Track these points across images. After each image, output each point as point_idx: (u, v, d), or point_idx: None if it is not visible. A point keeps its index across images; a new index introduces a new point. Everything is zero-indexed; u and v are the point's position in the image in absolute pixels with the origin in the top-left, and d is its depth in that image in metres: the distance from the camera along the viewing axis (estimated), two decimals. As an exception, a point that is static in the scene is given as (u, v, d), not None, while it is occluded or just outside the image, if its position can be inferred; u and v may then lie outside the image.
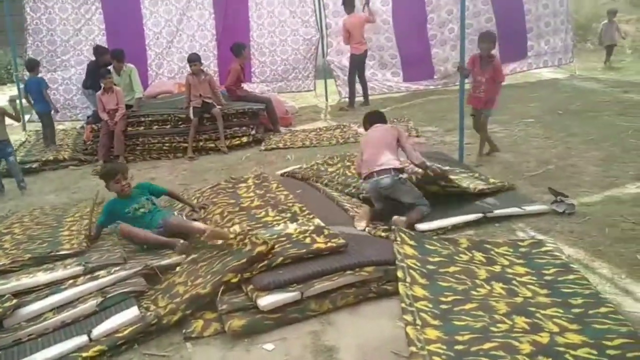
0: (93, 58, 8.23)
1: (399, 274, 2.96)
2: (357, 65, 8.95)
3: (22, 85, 8.55)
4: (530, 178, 4.76)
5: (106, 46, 8.58)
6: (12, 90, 13.05)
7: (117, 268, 3.24)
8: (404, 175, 4.04)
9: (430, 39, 9.91)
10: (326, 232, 3.41)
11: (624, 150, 5.29)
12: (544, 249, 3.30)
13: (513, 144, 5.94)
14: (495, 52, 5.47)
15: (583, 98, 8.09)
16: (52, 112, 7.98)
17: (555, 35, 10.28)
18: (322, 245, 3.23)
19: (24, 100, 8.30)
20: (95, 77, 7.54)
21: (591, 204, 4.03)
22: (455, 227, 3.78)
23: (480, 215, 3.87)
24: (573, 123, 6.56)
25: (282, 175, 5.43)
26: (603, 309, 2.59)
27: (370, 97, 9.35)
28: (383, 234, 3.61)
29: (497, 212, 3.91)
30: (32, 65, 8.04)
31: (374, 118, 4.52)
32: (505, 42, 9.69)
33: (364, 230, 3.73)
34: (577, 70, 10.57)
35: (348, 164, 5.08)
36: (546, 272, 3.03)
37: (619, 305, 2.70)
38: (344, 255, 3.19)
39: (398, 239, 3.32)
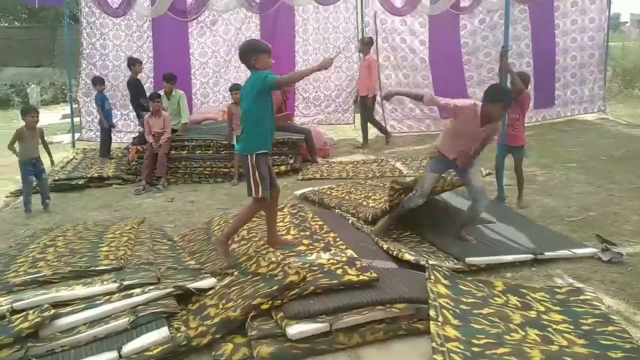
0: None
1: (432, 312, 2.92)
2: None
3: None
4: (570, 223, 4.65)
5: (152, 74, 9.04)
6: (65, 109, 13.71)
7: (151, 287, 3.30)
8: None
9: (467, 80, 9.95)
10: (358, 264, 3.40)
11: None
12: (582, 297, 3.21)
13: (554, 188, 5.83)
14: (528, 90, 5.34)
15: (628, 145, 7.91)
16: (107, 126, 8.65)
17: (581, 85, 10.30)
18: (354, 278, 3.21)
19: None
20: (136, 93, 8.20)
21: (634, 255, 3.90)
22: (491, 269, 3.72)
23: (530, 256, 3.83)
24: (616, 170, 6.40)
25: (300, 196, 5.76)
26: (643, 364, 2.49)
27: (406, 134, 9.49)
28: (411, 258, 3.60)
29: (548, 254, 3.85)
30: (96, 82, 8.70)
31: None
32: (536, 88, 9.85)
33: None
34: (610, 116, 10.50)
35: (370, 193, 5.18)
36: (584, 321, 2.93)
37: (661, 360, 2.58)
38: (375, 289, 3.16)
39: (432, 277, 3.28)
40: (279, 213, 4.77)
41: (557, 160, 7.11)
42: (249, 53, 3.65)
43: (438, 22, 9.82)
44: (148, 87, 9.19)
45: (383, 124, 9.55)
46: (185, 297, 3.32)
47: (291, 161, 7.28)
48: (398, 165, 7.28)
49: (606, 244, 3.93)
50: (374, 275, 3.24)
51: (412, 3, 9.50)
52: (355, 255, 3.57)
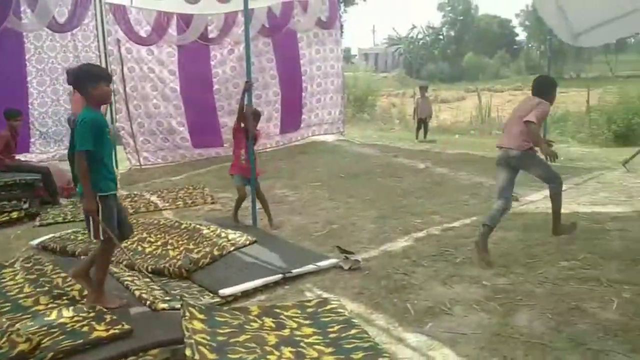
0: None
1: (187, 352, 2.80)
2: None
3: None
4: (317, 238, 5.05)
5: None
6: None
7: None
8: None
9: (218, 110, 10.19)
10: (108, 318, 3.11)
11: (394, 208, 5.96)
12: (329, 307, 3.47)
13: (303, 207, 6.28)
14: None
15: (361, 162, 9.01)
16: None
17: (323, 109, 11.58)
18: (103, 334, 2.93)
19: None
20: None
21: (370, 259, 4.41)
22: (247, 294, 3.78)
23: (280, 276, 3.98)
24: (353, 185, 7.23)
25: (37, 245, 5.06)
26: (380, 360, 2.79)
27: (161, 166, 9.29)
28: (165, 306, 3.44)
29: (296, 271, 4.06)
30: None
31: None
32: (285, 113, 10.72)
33: None
34: (346, 137, 11.95)
35: (145, 235, 4.84)
36: (331, 330, 3.16)
37: (394, 353, 2.93)
38: (128, 340, 2.93)
39: (187, 314, 3.17)
40: (8, 269, 4.13)
41: (305, 180, 7.72)
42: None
43: (188, 52, 9.83)
44: None
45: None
46: None
47: (25, 205, 6.37)
48: (153, 199, 7.00)
49: (345, 254, 4.36)
50: (127, 327, 3.00)
51: (158, 33, 9.35)
52: (105, 309, 3.26)
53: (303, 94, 11.11)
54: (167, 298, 3.66)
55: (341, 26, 11.83)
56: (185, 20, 9.65)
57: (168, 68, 9.81)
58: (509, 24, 52.71)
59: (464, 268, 4.12)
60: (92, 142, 3.20)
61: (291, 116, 11.02)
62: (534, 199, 6.11)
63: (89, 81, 3.28)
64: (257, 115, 5.68)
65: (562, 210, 4.60)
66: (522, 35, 52.67)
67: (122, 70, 9.23)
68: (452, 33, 51.23)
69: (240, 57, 10.17)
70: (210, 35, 10.07)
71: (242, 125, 5.42)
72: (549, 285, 3.70)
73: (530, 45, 49.80)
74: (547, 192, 6.28)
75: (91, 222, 3.30)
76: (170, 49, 9.79)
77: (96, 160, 3.26)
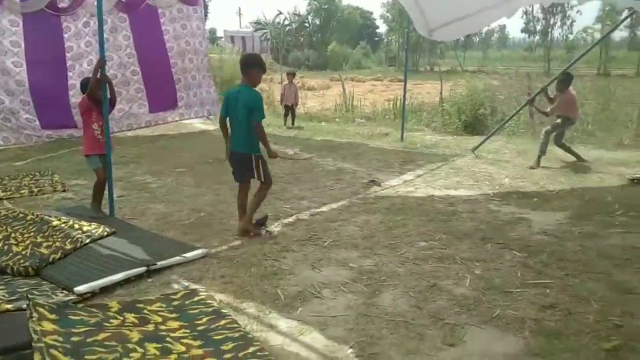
0: None
1: (36, 357, 2.49)
2: None
3: None
4: (182, 227, 4.83)
5: None
6: None
7: None
8: None
9: (70, 88, 9.28)
10: None
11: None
12: (196, 298, 3.33)
13: (166, 194, 5.97)
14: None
15: (229, 147, 8.81)
16: None
17: (200, 87, 11.06)
18: None
19: None
20: None
21: (239, 247, 4.31)
22: (106, 290, 3.49)
23: (143, 268, 3.73)
24: (221, 171, 7.01)
25: None
26: (251, 349, 2.73)
27: (2, 148, 8.23)
28: (9, 307, 3.06)
29: (160, 263, 3.84)
30: None
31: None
32: (153, 92, 10.04)
33: None
34: (213, 121, 11.60)
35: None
36: (199, 322, 3.03)
37: (265, 341, 2.89)
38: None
39: (34, 315, 2.83)
40: None
41: (168, 165, 7.35)
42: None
43: (35, 21, 8.80)
44: None
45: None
46: None
47: None
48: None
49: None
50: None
51: (-4, -3, 8.25)
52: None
53: (173, 70, 10.50)
54: (13, 297, 3.26)
55: (205, 6, 11.40)
56: (31, -14, 8.63)
57: (10, 39, 8.70)
58: (370, 15, 55.20)
59: (331, 251, 4.21)
60: None
61: (162, 94, 10.34)
62: (394, 184, 6.45)
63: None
64: (109, 82, 5.17)
65: (418, 195, 4.92)
66: (382, 27, 55.51)
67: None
68: (317, 21, 52.30)
69: (95, 32, 9.35)
70: (61, 5, 9.13)
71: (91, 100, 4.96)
72: (409, 265, 3.91)
73: (390, 37, 52.59)
74: (405, 177, 6.72)
75: (260, 169, 4.49)
76: (12, 17, 8.69)
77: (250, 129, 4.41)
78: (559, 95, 7.43)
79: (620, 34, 44.47)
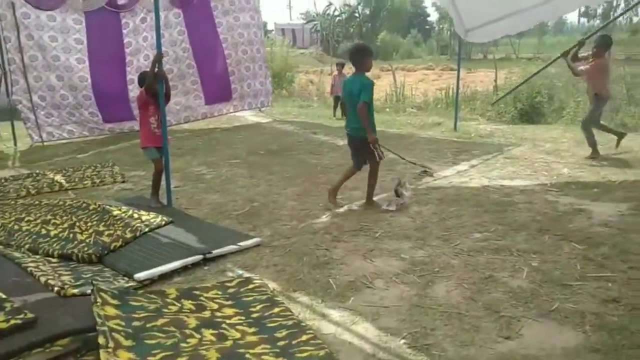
0: None
1: (100, 340, 2.62)
2: None
3: None
4: (237, 217, 4.93)
5: None
6: None
7: None
8: None
9: (129, 83, 9.61)
10: (8, 306, 2.84)
11: (314, 184, 5.95)
12: (251, 285, 3.39)
13: (221, 185, 6.11)
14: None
15: (280, 139, 8.92)
16: None
17: (255, 79, 11.16)
18: (3, 325, 2.67)
19: None
20: None
21: (291, 236, 4.36)
22: (164, 277, 3.62)
23: (199, 257, 3.84)
24: (273, 162, 7.14)
25: None
26: (304, 337, 2.76)
27: (67, 141, 8.64)
28: (75, 291, 3.22)
29: (216, 251, 3.93)
30: None
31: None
32: (209, 84, 10.22)
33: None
34: (264, 113, 11.69)
35: (50, 217, 4.48)
36: (253, 309, 3.10)
37: (318, 329, 2.91)
38: (32, 330, 2.69)
39: (99, 300, 2.97)
40: None
41: (223, 157, 7.52)
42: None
43: (97, 18, 9.17)
44: None
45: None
46: None
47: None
48: (58, 178, 6.52)
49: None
50: (30, 316, 2.76)
51: (60, -4, 8.64)
52: (4, 296, 2.98)
53: (228, 61, 10.64)
54: (78, 283, 3.42)
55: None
56: (91, -15, 8.98)
57: (74, 36, 9.10)
58: (421, 3, 54.18)
59: (383, 242, 4.19)
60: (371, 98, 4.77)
61: (218, 87, 10.51)
62: (447, 174, 6.33)
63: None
64: (164, 77, 5.33)
65: (473, 185, 4.83)
66: (434, 16, 54.41)
67: (18, 37, 8.45)
68: (367, 11, 51.83)
69: (153, 27, 9.61)
70: (120, 2, 9.45)
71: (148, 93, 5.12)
72: (464, 257, 3.84)
73: (441, 26, 51.52)
74: (459, 168, 6.59)
75: (376, 148, 4.93)
76: (76, 16, 9.09)
77: (371, 111, 4.83)
78: (594, 60, 6.76)
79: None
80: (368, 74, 4.83)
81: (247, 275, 3.63)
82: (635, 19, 43.31)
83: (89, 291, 3.18)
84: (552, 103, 11.68)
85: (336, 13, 49.72)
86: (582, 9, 44.44)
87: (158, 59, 5.01)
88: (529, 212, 4.81)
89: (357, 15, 51.61)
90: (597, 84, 6.75)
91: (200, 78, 10.34)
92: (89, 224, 4.51)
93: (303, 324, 2.92)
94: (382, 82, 19.89)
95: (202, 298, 3.22)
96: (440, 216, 4.78)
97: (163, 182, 5.27)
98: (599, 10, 42.40)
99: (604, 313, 2.96)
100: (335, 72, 12.73)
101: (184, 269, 3.73)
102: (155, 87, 5.06)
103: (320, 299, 3.26)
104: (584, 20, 47.53)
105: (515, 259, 3.77)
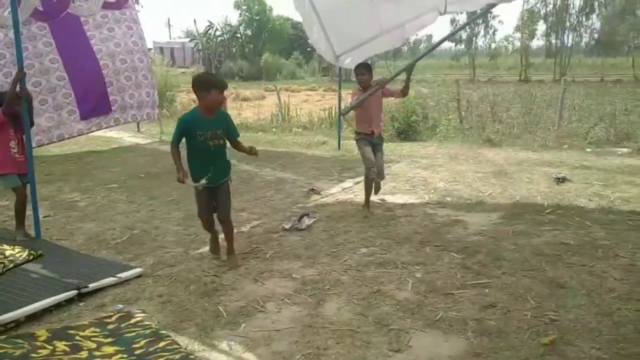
0: None
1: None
2: None
3: None
4: (116, 246, 4.60)
5: None
6: None
7: None
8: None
9: None
10: None
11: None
12: (133, 320, 3.16)
13: (97, 212, 5.68)
14: None
15: (162, 161, 8.54)
16: None
17: (139, 89, 10.51)
18: None
19: None
20: None
21: (176, 264, 4.15)
22: (33, 317, 3.25)
23: (74, 292, 3.51)
24: (154, 185, 6.80)
25: None
26: (194, 370, 2.61)
27: None
28: None
29: (93, 285, 3.62)
30: None
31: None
32: (84, 97, 9.43)
33: None
34: (144, 134, 11.14)
35: None
36: (137, 345, 2.88)
37: (209, 360, 2.77)
38: None
39: (-51, 351, 2.59)
40: None
41: (98, 182, 7.02)
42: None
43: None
44: None
45: None
46: None
47: None
48: None
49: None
50: None
51: None
52: None
53: (104, 71, 9.87)
54: None
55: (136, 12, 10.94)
56: None
57: None
58: (301, 26, 55.51)
59: (274, 263, 4.13)
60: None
61: (95, 99, 9.64)
62: (334, 192, 6.46)
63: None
64: (29, 98, 4.86)
65: (358, 201, 4.96)
66: (314, 38, 55.83)
67: None
68: (249, 32, 52.07)
69: (9, 44, 8.77)
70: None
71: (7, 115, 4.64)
72: (352, 272, 3.90)
73: (322, 48, 52.98)
74: (344, 185, 6.76)
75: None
76: None
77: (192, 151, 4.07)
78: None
79: (537, 42, 47.08)
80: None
81: (128, 309, 3.37)
82: (493, 45, 48.04)
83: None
84: (427, 121, 12.45)
85: (218, 33, 49.35)
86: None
87: (20, 76, 4.57)
88: (411, 225, 5.04)
89: (239, 35, 51.64)
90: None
91: (74, 90, 9.55)
92: (-61, 263, 3.95)
93: (192, 357, 2.76)
94: (268, 102, 20.02)
95: (77, 337, 2.93)
96: (329, 233, 4.84)
97: (29, 212, 4.78)
98: (464, 36, 46.29)
99: (483, 318, 3.15)
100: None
101: (57, 306, 3.38)
102: (17, 108, 4.60)
103: (209, 328, 3.12)
104: (450, 44, 51.61)
105: (401, 271, 3.90)
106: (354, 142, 5.82)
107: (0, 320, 3.10)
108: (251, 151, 4.13)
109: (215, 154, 4.01)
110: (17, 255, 4.11)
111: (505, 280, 3.69)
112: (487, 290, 3.53)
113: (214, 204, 4.15)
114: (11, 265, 3.94)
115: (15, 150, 4.68)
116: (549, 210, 5.38)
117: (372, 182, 5.55)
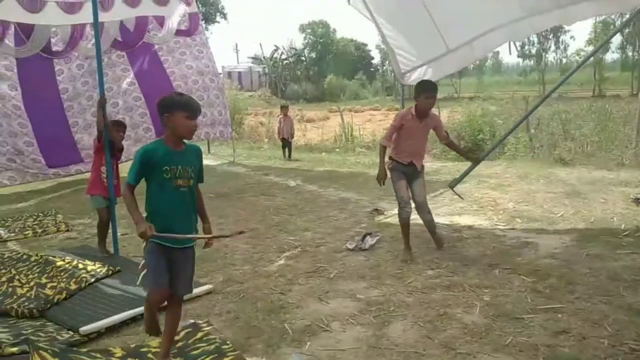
0: None
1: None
2: None
3: None
4: (187, 263, 4.78)
5: None
6: None
7: None
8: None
9: (72, 126, 9.32)
10: None
11: (267, 226, 5.89)
12: (199, 334, 3.27)
13: (170, 230, 5.94)
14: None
15: (231, 181, 8.85)
16: None
17: (211, 107, 10.94)
18: None
19: None
20: None
21: (244, 281, 4.27)
22: (112, 329, 3.44)
23: None
24: (224, 205, 7.04)
25: None
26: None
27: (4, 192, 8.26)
28: (14, 350, 3.01)
29: None
30: None
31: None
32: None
33: None
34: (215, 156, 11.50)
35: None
36: (203, 362, 2.97)
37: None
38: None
39: (37, 359, 2.78)
40: None
41: (171, 202, 7.34)
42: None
43: (29, 64, 8.90)
44: None
45: None
46: None
47: None
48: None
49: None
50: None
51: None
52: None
53: (178, 91, 10.41)
54: (17, 340, 3.20)
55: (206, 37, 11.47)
56: (25, 31, 8.76)
57: (7, 83, 8.80)
58: (365, 47, 55.93)
59: (338, 283, 4.16)
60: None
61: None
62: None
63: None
64: (120, 125, 5.28)
65: (421, 221, 4.89)
66: (377, 58, 56.13)
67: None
68: (314, 55, 53.05)
69: (92, 72, 9.42)
70: (55, 49, 9.24)
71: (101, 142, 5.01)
72: (418, 294, 3.86)
73: (385, 68, 53.18)
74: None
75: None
76: (7, 62, 8.80)
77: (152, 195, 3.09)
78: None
79: (612, 55, 45.01)
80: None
81: (197, 323, 3.49)
82: (564, 60, 46.29)
83: (28, 349, 2.98)
84: (494, 140, 12.16)
85: (283, 56, 50.63)
86: (517, 51, 46.97)
87: (102, 103, 4.92)
88: (478, 246, 4.92)
89: (303, 58, 52.72)
90: None
91: (149, 110, 10.10)
92: (30, 276, 4.27)
93: (258, 373, 2.82)
94: (331, 123, 20.23)
95: (149, 355, 3.07)
96: (393, 254, 4.82)
97: (110, 230, 5.08)
98: (533, 51, 44.94)
99: (556, 345, 3.02)
100: (281, 115, 12.89)
101: (134, 319, 3.56)
102: (112, 134, 4.95)
103: (276, 346, 3.18)
104: (518, 60, 50.20)
105: (468, 294, 3.82)
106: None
107: (84, 331, 3.32)
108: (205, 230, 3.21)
109: (184, 201, 3.01)
110: (98, 270, 4.37)
111: (579, 306, 3.53)
112: (559, 316, 3.39)
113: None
114: (92, 280, 4.19)
115: (105, 175, 5.01)
116: (626, 233, 5.10)
117: (408, 222, 4.79)
